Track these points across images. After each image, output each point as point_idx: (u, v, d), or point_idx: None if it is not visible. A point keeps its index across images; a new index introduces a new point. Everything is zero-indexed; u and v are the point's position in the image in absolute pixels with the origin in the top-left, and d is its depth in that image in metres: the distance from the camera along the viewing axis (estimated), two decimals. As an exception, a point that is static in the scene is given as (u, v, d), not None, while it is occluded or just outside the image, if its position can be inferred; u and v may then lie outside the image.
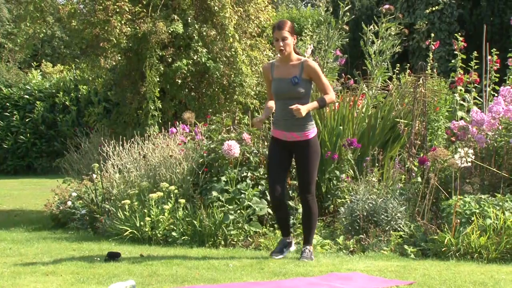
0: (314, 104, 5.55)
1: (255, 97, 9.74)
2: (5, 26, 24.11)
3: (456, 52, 8.61)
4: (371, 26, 9.03)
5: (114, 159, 7.71)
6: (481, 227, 5.59)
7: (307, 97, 5.58)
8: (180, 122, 8.12)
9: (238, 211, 6.42)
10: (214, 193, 6.56)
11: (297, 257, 5.69)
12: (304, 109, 5.40)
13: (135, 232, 6.60)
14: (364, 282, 4.71)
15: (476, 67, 8.33)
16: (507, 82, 8.11)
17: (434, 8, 17.28)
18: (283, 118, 5.58)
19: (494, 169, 6.35)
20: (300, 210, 6.67)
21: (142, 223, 6.60)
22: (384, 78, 9.07)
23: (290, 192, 6.83)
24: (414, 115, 7.21)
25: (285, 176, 5.79)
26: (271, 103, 5.76)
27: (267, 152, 6.22)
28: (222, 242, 6.32)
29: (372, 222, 6.17)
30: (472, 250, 5.52)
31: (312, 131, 5.61)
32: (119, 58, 9.30)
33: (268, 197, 6.66)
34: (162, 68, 9.16)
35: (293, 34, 5.59)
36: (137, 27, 9.01)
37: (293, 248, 5.88)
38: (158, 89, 9.19)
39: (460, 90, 8.29)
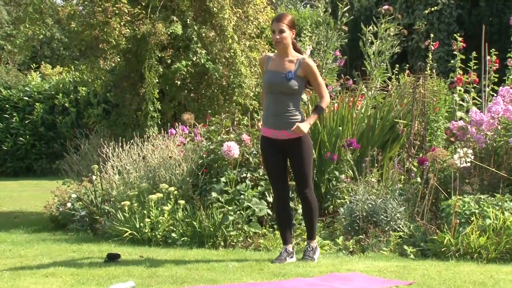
0: (314, 116, 5.48)
1: (254, 98, 9.75)
2: (4, 28, 24.11)
3: (455, 53, 8.61)
4: (370, 27, 9.04)
5: (113, 161, 7.71)
6: (480, 227, 5.59)
7: (299, 95, 5.51)
8: (180, 123, 8.13)
9: (238, 212, 6.42)
10: (214, 194, 6.57)
11: (298, 257, 5.69)
12: (305, 126, 5.35)
13: (135, 233, 6.60)
14: (363, 283, 4.71)
15: (475, 67, 8.33)
16: (506, 82, 8.11)
17: (433, 9, 17.28)
18: (272, 115, 5.46)
19: (494, 169, 6.35)
20: (300, 211, 6.69)
21: (141, 224, 6.61)
22: (383, 78, 9.07)
23: (290, 192, 6.82)
24: (413, 115, 7.21)
25: (285, 175, 5.66)
26: None
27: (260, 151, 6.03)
28: (222, 243, 6.32)
29: (372, 222, 6.17)
30: (471, 250, 5.52)
31: None
32: (118, 59, 9.31)
33: (268, 198, 6.68)
34: (161, 70, 9.17)
35: (292, 28, 5.47)
36: (136, 29, 9.02)
37: (293, 259, 5.61)
38: (157, 91, 9.21)
39: (459, 90, 8.29)
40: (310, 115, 5.59)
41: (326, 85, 8.88)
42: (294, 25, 5.53)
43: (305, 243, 5.77)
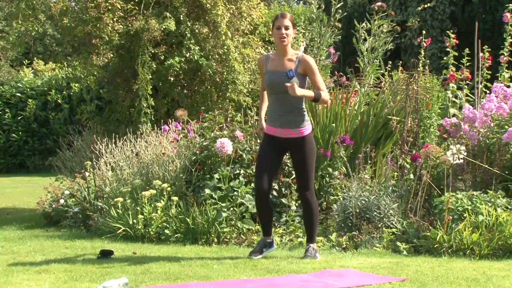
0: (310, 92, 5.35)
1: (247, 94, 9.74)
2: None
3: (448, 49, 8.63)
4: (364, 24, 9.04)
5: (106, 157, 7.70)
6: (473, 224, 5.61)
7: None
8: (173, 119, 8.12)
9: (231, 209, 6.43)
10: (207, 191, 6.56)
11: (291, 254, 5.70)
12: (299, 90, 5.22)
13: (128, 229, 6.60)
14: (357, 279, 4.72)
15: (468, 64, 8.35)
16: (499, 79, 8.13)
17: (426, 5, 17.30)
18: (277, 114, 5.45)
19: (486, 166, 6.37)
20: (293, 207, 6.71)
21: (135, 220, 6.60)
22: (377, 75, 9.08)
23: (283, 189, 6.83)
24: (406, 112, 7.23)
25: (273, 173, 5.57)
26: (263, 112, 5.67)
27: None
28: (215, 240, 6.32)
29: (365, 219, 6.18)
30: (464, 247, 5.54)
31: (307, 127, 5.47)
32: (111, 55, 9.29)
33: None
34: (155, 66, 9.15)
35: (294, 27, 5.52)
36: (129, 25, 9.00)
37: (273, 248, 5.69)
38: (151, 87, 9.18)
39: (452, 87, 8.32)
40: (309, 91, 5.44)
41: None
42: (294, 24, 5.58)
43: (306, 244, 5.66)
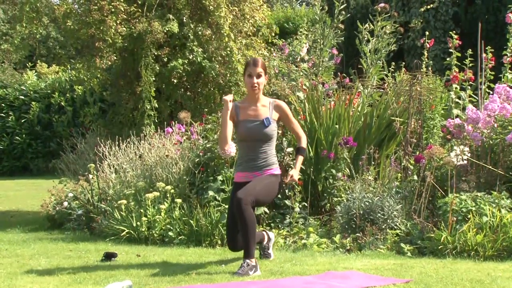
0: (300, 160, 5.45)
1: (251, 96, 9.71)
2: (0, 26, 24.02)
3: (451, 50, 8.62)
4: (367, 25, 9.04)
5: (110, 159, 7.71)
6: (477, 225, 5.60)
7: (275, 139, 5.38)
8: (176, 121, 8.12)
9: (235, 211, 6.42)
10: (211, 193, 6.56)
11: (295, 256, 5.69)
12: (296, 173, 5.36)
13: (132, 232, 6.60)
14: (361, 281, 4.72)
15: (471, 65, 8.34)
16: (502, 80, 8.12)
17: (429, 6, 17.28)
18: (247, 159, 5.31)
19: (490, 167, 6.36)
20: (296, 209, 6.70)
21: (138, 223, 6.60)
22: (380, 76, 9.07)
23: (287, 191, 6.82)
24: (409, 113, 7.22)
25: None
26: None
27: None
28: (219, 242, 6.32)
29: (369, 220, 6.17)
30: (468, 248, 5.53)
31: (274, 169, 5.34)
32: (115, 58, 9.29)
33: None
34: (158, 68, 9.15)
35: (265, 73, 5.37)
36: (133, 27, 9.00)
37: (258, 273, 4.99)
38: (154, 89, 9.18)
39: (456, 88, 8.31)
40: (296, 159, 5.47)
41: (323, 83, 8.92)
42: (267, 70, 5.47)
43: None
